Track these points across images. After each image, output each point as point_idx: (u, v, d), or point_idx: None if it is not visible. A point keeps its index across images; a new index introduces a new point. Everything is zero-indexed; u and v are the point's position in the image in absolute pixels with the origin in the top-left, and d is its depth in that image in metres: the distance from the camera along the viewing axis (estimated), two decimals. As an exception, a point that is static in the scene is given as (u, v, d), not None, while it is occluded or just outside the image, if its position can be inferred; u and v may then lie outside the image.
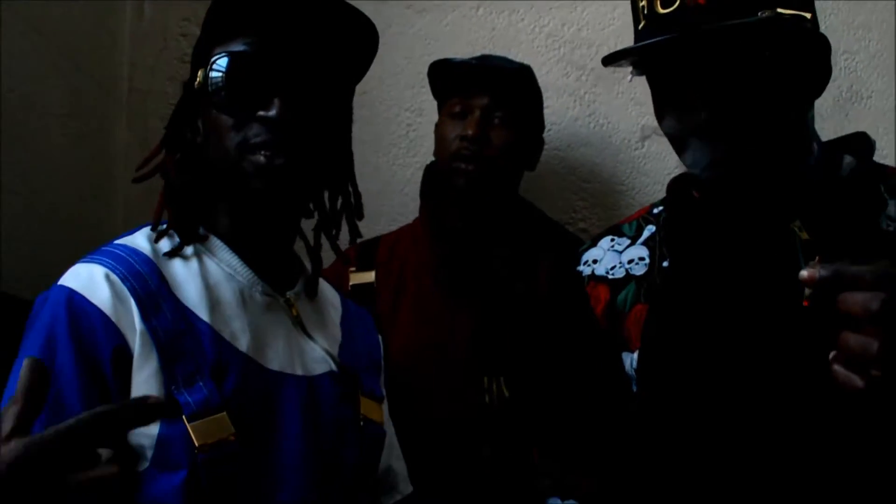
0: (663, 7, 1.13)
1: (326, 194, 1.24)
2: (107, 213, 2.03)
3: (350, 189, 1.25)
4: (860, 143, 1.24)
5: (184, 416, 0.97)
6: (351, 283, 1.73)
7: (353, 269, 1.75)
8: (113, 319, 0.99)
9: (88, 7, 1.95)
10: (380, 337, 1.36)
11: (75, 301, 0.99)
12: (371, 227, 2.03)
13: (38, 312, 1.02)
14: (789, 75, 1.12)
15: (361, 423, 1.18)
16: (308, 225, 1.26)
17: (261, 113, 1.05)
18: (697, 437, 1.12)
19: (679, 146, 1.17)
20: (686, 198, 1.28)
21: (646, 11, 1.16)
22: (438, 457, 1.58)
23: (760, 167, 1.13)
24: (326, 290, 1.30)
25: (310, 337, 1.17)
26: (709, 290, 1.17)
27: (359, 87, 2.08)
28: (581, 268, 1.31)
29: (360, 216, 1.27)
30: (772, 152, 1.13)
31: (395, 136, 2.16)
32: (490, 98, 1.72)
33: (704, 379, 1.12)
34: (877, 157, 1.23)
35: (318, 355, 1.16)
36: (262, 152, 1.05)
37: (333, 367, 1.17)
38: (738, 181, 1.14)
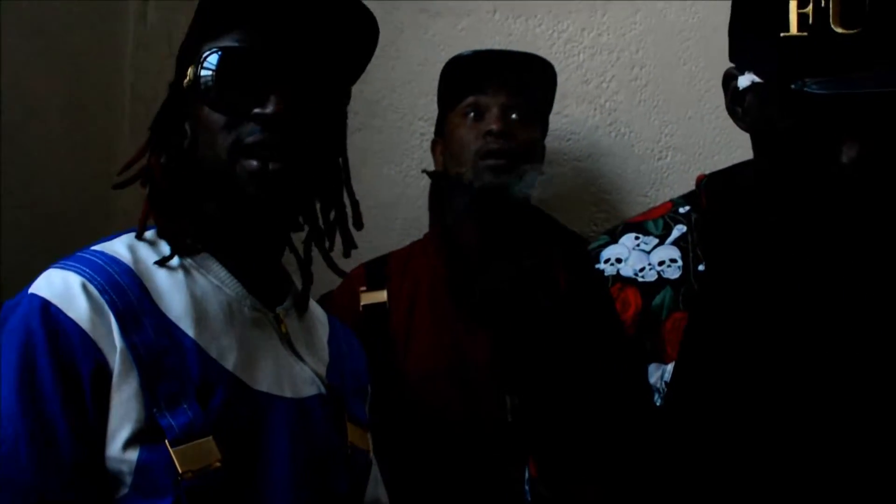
0: (844, 26, 0.99)
1: (318, 205, 1.18)
2: (108, 224, 1.99)
3: (346, 200, 1.19)
4: None
5: (166, 441, 0.92)
6: (362, 303, 1.68)
7: (363, 288, 1.70)
8: (91, 336, 0.92)
9: (91, 12, 1.93)
10: (366, 362, 1.32)
11: (52, 313, 0.92)
12: (383, 241, 1.98)
13: (6, 321, 0.94)
14: None
15: (349, 451, 1.13)
16: (299, 238, 1.20)
17: (256, 110, 0.99)
18: (736, 459, 1.06)
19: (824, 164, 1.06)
20: (726, 199, 1.21)
21: (810, 22, 1.01)
22: (460, 478, 1.54)
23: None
24: (313, 307, 1.24)
25: (298, 356, 1.12)
26: (755, 301, 1.11)
27: (370, 96, 2.08)
28: (602, 266, 1.23)
29: (359, 226, 1.21)
30: None
31: (408, 145, 2.10)
32: (507, 94, 1.69)
33: (749, 399, 1.07)
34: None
35: (306, 376, 1.11)
36: (256, 155, 0.99)
37: (322, 389, 1.12)
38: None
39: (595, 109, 2.07)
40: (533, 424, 1.33)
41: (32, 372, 0.90)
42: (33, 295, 0.94)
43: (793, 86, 1.00)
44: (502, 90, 1.69)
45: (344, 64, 1.12)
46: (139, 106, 2.09)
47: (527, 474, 1.25)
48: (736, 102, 1.15)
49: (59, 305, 0.93)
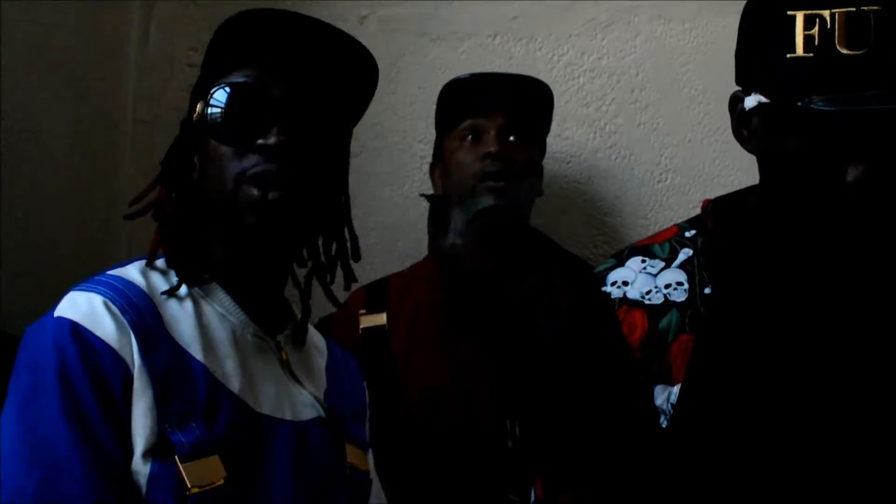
0: (849, 47, 1.02)
1: (321, 240, 1.23)
2: (111, 248, 2.01)
3: (346, 234, 1.24)
4: None
5: (176, 457, 0.96)
6: (362, 326, 1.68)
7: (363, 310, 1.69)
8: (118, 352, 0.97)
9: (93, 37, 1.94)
10: (365, 384, 1.35)
11: (81, 333, 0.96)
12: (384, 264, 1.98)
13: (33, 345, 0.99)
14: None
15: (348, 472, 1.16)
16: (302, 271, 1.24)
17: (259, 141, 1.04)
18: (741, 480, 1.06)
19: (826, 177, 1.07)
20: (732, 223, 1.21)
21: (816, 43, 1.03)
22: (460, 501, 1.52)
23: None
24: (313, 335, 1.28)
25: (298, 381, 1.16)
26: (763, 323, 1.11)
27: (370, 118, 2.06)
28: (609, 289, 1.25)
29: (357, 258, 1.26)
30: None
31: (409, 168, 2.11)
32: (505, 116, 1.69)
33: (757, 421, 1.07)
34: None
35: (306, 400, 1.15)
36: (257, 186, 1.04)
37: (321, 412, 1.15)
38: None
39: (595, 132, 2.08)
40: (539, 446, 1.33)
41: (72, 390, 0.93)
42: (61, 318, 0.98)
43: (799, 103, 1.01)
44: (500, 112, 1.69)
45: (345, 103, 1.18)
46: (140, 129, 2.10)
47: (532, 496, 1.24)
48: (742, 125, 1.15)
49: (87, 326, 0.97)
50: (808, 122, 1.03)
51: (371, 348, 1.63)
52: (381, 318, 1.68)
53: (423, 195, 1.85)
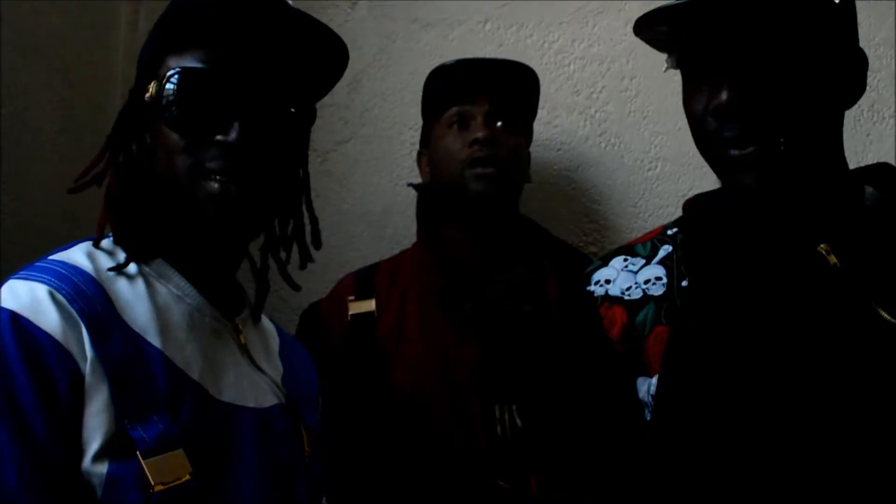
0: None
1: (277, 218, 1.18)
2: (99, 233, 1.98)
3: (304, 210, 1.19)
4: (883, 174, 1.20)
5: (138, 453, 0.89)
6: (350, 313, 1.67)
7: (351, 297, 1.69)
8: (65, 346, 0.89)
9: (82, 22, 1.93)
10: (316, 372, 1.31)
11: (23, 325, 0.88)
12: (372, 250, 1.99)
13: None
14: (824, 74, 1.07)
15: (307, 459, 1.13)
16: (255, 245, 1.20)
17: (218, 137, 0.99)
18: (720, 468, 1.07)
19: (702, 133, 1.12)
20: (706, 216, 1.23)
21: None
22: (449, 488, 1.53)
23: (790, 169, 1.07)
24: (263, 319, 1.24)
25: (257, 366, 1.11)
26: (733, 313, 1.12)
27: (360, 105, 2.08)
28: (593, 288, 1.27)
29: (318, 245, 1.21)
30: (803, 156, 1.07)
31: (399, 155, 2.11)
32: (491, 102, 1.69)
33: (731, 406, 1.07)
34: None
35: (266, 386, 1.11)
36: (217, 178, 0.98)
37: (282, 398, 1.12)
38: (765, 177, 1.08)
39: (585, 120, 2.08)
40: (532, 440, 1.34)
41: (10, 387, 0.86)
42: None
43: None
44: (486, 98, 1.69)
45: (309, 86, 1.12)
46: (130, 114, 2.09)
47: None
48: None
49: (29, 317, 0.89)
50: (685, 60, 1.14)
51: (359, 335, 1.63)
52: (370, 305, 1.68)
53: (410, 184, 1.84)
